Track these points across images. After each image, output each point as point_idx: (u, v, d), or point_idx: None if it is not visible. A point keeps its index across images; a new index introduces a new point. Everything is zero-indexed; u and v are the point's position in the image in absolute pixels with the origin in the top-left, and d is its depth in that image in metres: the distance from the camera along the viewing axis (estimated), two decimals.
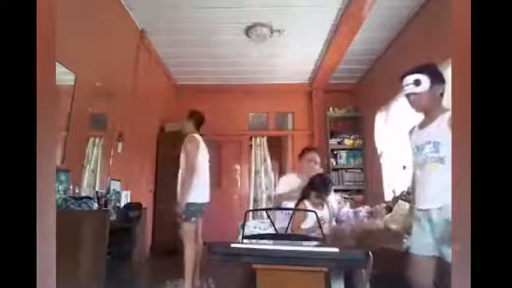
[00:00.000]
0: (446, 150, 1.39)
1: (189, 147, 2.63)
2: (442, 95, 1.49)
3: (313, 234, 2.20)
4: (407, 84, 1.49)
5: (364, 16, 3.53)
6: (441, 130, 1.41)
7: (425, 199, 1.47)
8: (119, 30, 3.62)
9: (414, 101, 1.50)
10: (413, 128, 1.62)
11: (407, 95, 1.51)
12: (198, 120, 2.83)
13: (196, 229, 2.63)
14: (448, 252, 1.34)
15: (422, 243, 1.46)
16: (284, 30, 4.04)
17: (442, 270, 1.42)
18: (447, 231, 1.34)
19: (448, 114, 1.41)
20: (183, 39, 4.28)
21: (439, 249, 1.40)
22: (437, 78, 1.47)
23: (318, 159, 2.91)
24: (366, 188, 5.23)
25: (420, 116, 1.59)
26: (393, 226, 2.35)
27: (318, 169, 2.91)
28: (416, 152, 1.52)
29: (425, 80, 1.45)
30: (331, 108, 5.59)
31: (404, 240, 1.99)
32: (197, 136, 2.72)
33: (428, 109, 1.50)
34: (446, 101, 1.47)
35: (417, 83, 1.46)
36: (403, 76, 1.51)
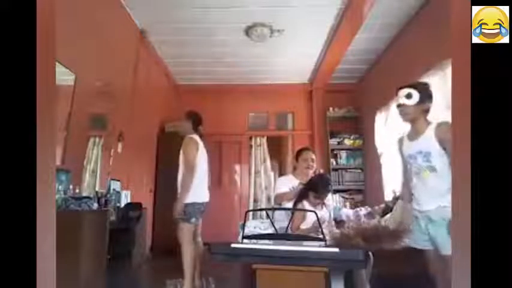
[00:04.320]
0: (436, 159, 1.61)
1: (187, 149, 2.61)
2: (427, 111, 1.72)
3: (312, 234, 2.19)
4: (400, 96, 1.72)
5: (364, 16, 3.53)
6: (430, 141, 1.63)
7: (422, 202, 1.67)
8: (119, 30, 3.62)
9: (403, 111, 1.73)
10: (402, 139, 1.84)
11: (398, 105, 1.74)
12: (196, 120, 2.81)
13: (195, 230, 2.63)
14: (440, 244, 1.56)
15: (419, 237, 1.70)
16: (284, 30, 4.04)
17: (437, 260, 1.63)
18: (441, 227, 1.56)
19: (434, 126, 1.65)
20: (183, 39, 4.27)
21: (434, 242, 1.62)
22: (426, 96, 1.70)
23: (314, 158, 2.90)
24: (366, 188, 5.23)
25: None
26: (393, 226, 2.35)
27: (315, 168, 2.91)
28: (410, 160, 1.74)
29: (415, 95, 1.67)
30: (331, 108, 5.59)
31: (406, 241, 2.00)
32: (195, 137, 2.70)
33: (414, 120, 1.73)
34: (432, 116, 1.74)
35: (408, 96, 1.69)
36: (399, 89, 1.74)
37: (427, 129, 1.67)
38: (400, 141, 1.85)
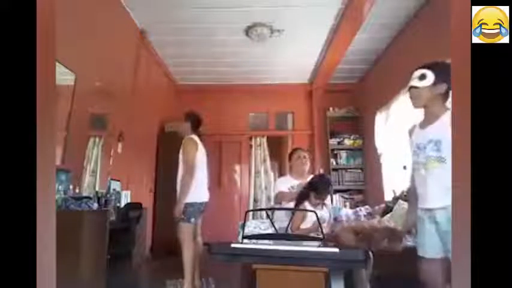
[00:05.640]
0: (447, 149, 1.37)
1: (186, 149, 2.62)
2: (445, 95, 1.46)
3: (312, 234, 2.20)
4: (413, 78, 1.50)
5: (364, 16, 3.52)
6: (443, 129, 1.39)
7: (428, 198, 1.46)
8: (119, 30, 3.62)
9: (414, 94, 1.50)
10: (413, 128, 1.61)
11: (410, 88, 1.51)
12: (195, 121, 2.81)
13: (194, 229, 2.63)
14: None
15: (427, 245, 1.45)
16: (284, 30, 4.04)
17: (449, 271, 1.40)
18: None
19: (449, 113, 1.39)
20: (183, 39, 4.27)
21: (445, 249, 1.38)
22: (442, 77, 1.44)
23: (306, 155, 2.91)
24: (366, 188, 5.23)
25: (420, 116, 1.58)
26: (392, 225, 2.35)
27: (308, 167, 2.92)
28: (417, 151, 1.51)
29: (429, 76, 1.45)
30: (331, 108, 5.59)
31: (408, 241, 1.98)
32: (195, 138, 2.71)
33: (426, 106, 1.50)
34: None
35: (422, 77, 1.46)
36: (414, 70, 1.51)
37: (443, 116, 1.43)
38: (411, 131, 1.62)
